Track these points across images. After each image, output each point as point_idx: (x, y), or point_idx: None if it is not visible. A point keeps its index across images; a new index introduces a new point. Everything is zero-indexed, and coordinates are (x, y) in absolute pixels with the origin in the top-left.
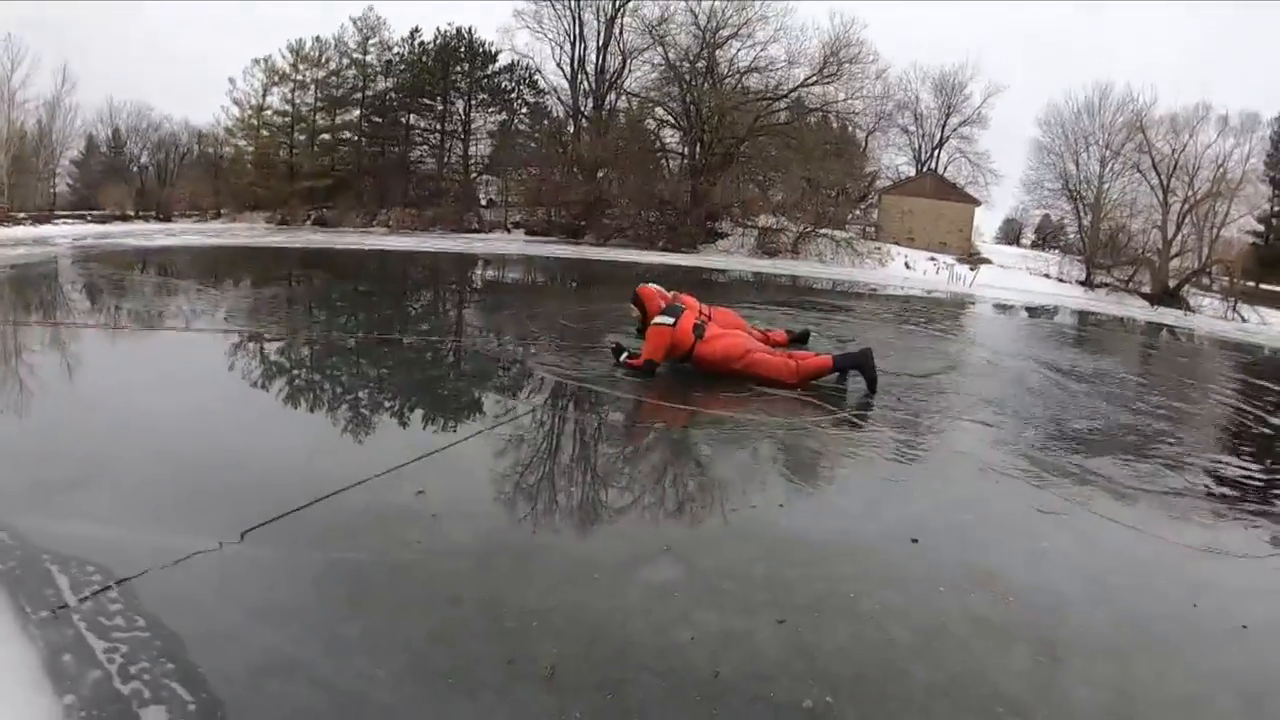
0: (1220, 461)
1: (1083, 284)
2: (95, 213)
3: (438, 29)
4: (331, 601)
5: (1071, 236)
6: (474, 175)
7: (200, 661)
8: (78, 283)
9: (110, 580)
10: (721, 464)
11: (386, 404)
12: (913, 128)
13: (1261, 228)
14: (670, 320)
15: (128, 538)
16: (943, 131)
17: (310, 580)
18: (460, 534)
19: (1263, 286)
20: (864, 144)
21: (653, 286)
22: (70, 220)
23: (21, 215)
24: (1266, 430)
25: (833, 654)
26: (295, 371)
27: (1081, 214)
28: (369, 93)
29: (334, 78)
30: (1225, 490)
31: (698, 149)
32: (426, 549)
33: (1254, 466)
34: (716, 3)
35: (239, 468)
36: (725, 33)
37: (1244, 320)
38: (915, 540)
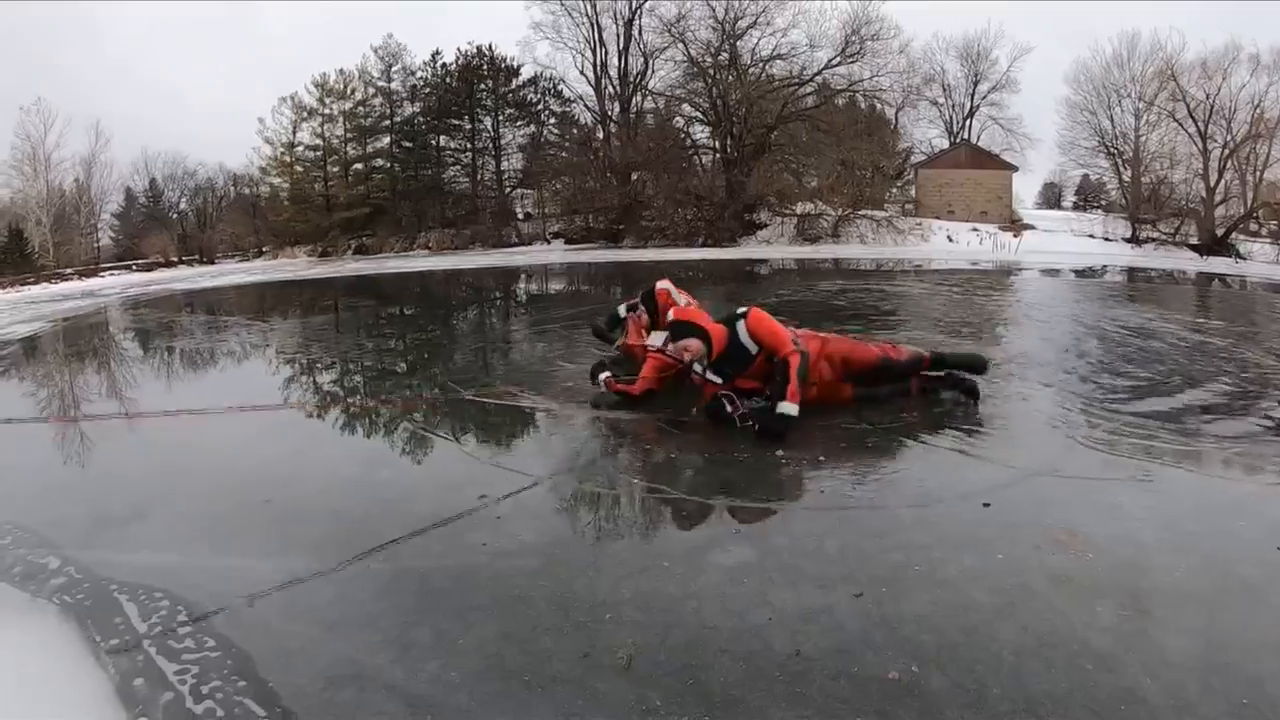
0: None
1: (1129, 241)
2: (140, 262)
3: (458, 49)
4: (400, 609)
5: (1113, 194)
6: (508, 190)
7: (271, 677)
8: (133, 327)
9: (178, 606)
10: (785, 444)
11: (442, 418)
12: (942, 99)
13: None
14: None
15: (192, 564)
16: (972, 100)
17: (377, 590)
18: (526, 533)
19: None
20: (894, 121)
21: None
22: (116, 271)
23: (69, 271)
24: None
25: (914, 623)
26: (348, 396)
27: (1121, 170)
28: (397, 119)
29: (361, 108)
30: None
31: (728, 142)
32: (493, 550)
33: None
34: None
35: (297, 491)
36: (744, 23)
37: None
38: (987, 504)
